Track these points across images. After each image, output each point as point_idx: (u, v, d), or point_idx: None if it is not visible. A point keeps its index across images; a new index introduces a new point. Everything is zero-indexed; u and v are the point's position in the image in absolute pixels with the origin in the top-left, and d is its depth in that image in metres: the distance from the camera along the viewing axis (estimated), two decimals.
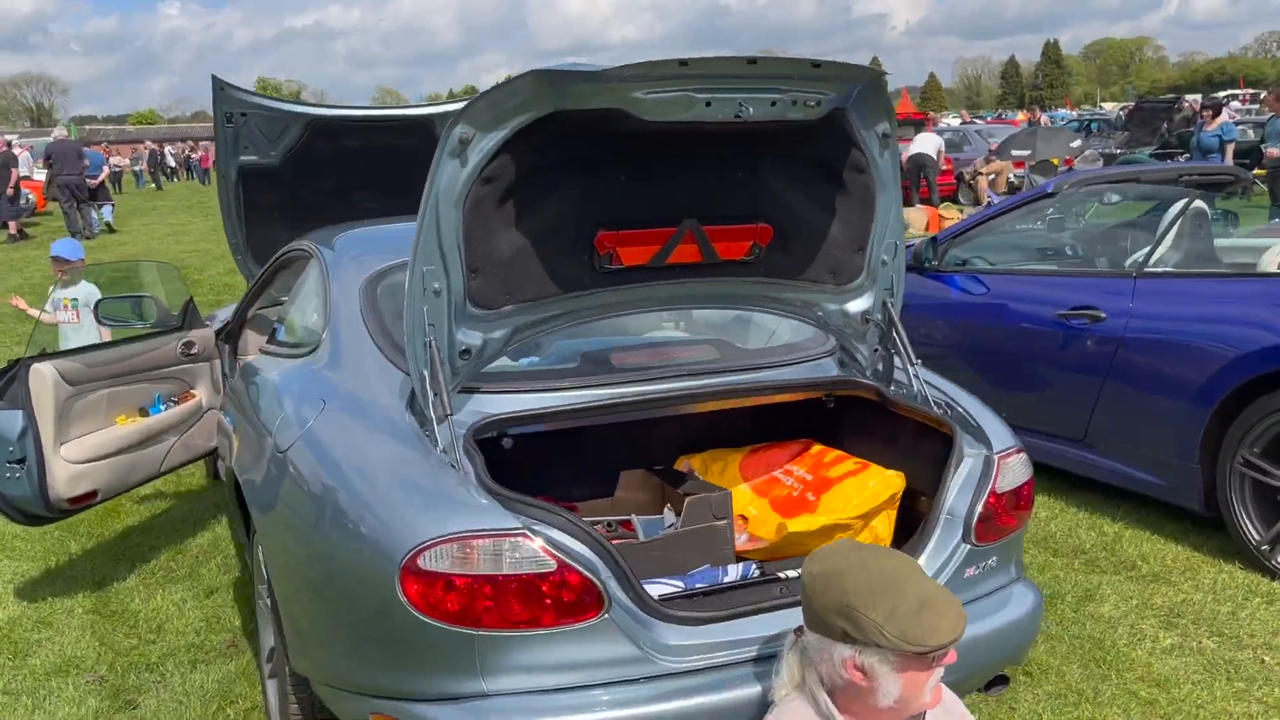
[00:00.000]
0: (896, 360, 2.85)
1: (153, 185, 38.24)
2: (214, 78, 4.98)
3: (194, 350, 4.25)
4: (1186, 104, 21.97)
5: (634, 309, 2.66)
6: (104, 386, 3.79)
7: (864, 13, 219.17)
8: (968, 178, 17.11)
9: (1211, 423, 3.89)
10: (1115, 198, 5.60)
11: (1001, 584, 2.55)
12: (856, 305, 2.82)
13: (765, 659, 2.18)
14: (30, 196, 22.16)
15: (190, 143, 43.82)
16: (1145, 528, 4.25)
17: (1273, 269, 4.48)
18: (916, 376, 2.78)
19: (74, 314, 6.11)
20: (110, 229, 20.10)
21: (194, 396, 4.27)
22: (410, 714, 2.16)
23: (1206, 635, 3.37)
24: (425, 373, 2.39)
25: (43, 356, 3.57)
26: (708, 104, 2.22)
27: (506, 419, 2.49)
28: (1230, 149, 12.25)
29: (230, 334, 4.51)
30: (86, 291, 6.14)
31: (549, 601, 2.06)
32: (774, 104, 2.27)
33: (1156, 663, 3.21)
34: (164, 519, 4.75)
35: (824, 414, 3.09)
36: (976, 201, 16.86)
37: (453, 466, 2.26)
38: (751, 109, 2.24)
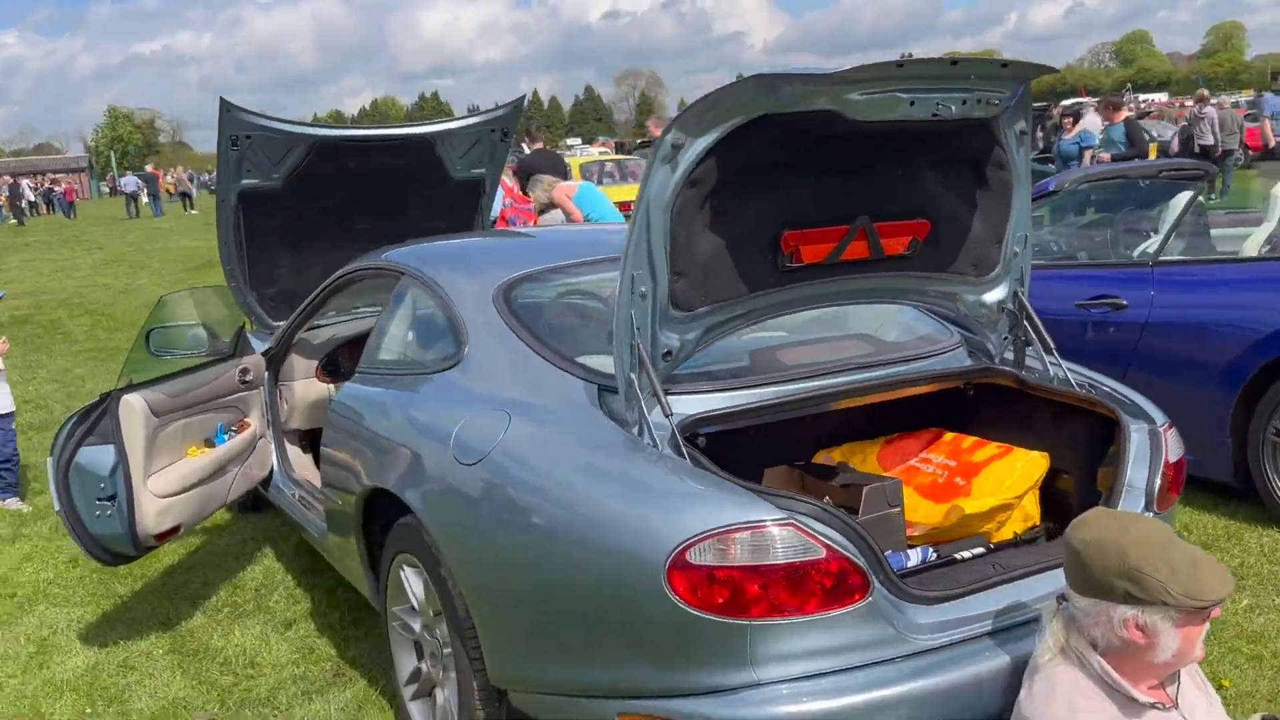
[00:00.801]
0: (1029, 347, 3.01)
1: (13, 221, 36.27)
2: (221, 99, 4.86)
3: (249, 377, 4.13)
4: (1054, 112, 23.26)
5: (807, 306, 2.74)
6: (181, 417, 3.66)
7: (723, 31, 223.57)
8: None
9: (1240, 399, 4.19)
10: (1093, 195, 5.95)
11: None
12: (993, 295, 2.97)
13: (1003, 630, 2.28)
14: None
15: (50, 176, 41.71)
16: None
17: (1253, 253, 4.86)
18: (1056, 363, 2.94)
19: None
20: None
21: (250, 425, 4.14)
22: (673, 710, 2.18)
23: (1276, 594, 3.64)
24: (633, 375, 2.43)
25: (130, 388, 3.42)
26: (911, 103, 2.33)
27: (703, 418, 2.54)
28: (1089, 155, 12.92)
29: (274, 359, 4.39)
30: None
31: (818, 588, 2.12)
32: (964, 102, 2.41)
33: (1244, 621, 3.45)
34: (203, 554, 4.57)
35: (946, 403, 3.22)
36: None
37: (691, 464, 2.30)
38: (953, 108, 2.37)
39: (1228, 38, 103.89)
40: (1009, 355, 3.08)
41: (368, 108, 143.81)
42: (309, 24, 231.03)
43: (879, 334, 3.33)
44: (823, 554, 2.12)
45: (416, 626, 3.00)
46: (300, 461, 4.50)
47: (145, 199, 37.04)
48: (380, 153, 5.36)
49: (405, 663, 3.10)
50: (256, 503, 4.80)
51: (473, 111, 6.21)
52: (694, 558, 2.10)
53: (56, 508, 3.35)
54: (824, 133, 2.38)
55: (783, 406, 2.67)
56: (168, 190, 40.88)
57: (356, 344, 4.59)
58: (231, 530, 4.83)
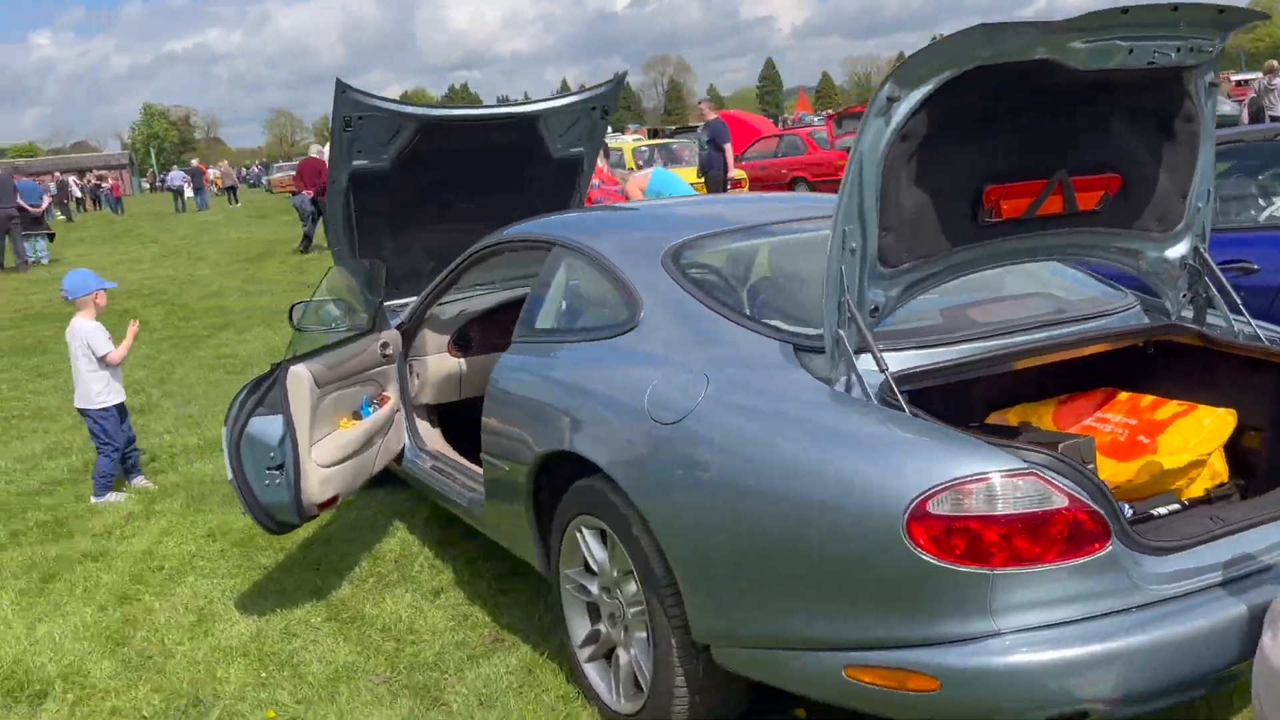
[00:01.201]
0: (1211, 303, 2.99)
1: (60, 217, 36.78)
2: (338, 80, 4.89)
3: (389, 351, 4.18)
4: None
5: (999, 263, 2.74)
6: (335, 389, 3.71)
7: (750, 16, 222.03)
8: None
9: None
10: None
11: None
12: (1175, 251, 2.95)
13: (1233, 581, 2.27)
14: None
15: (96, 172, 42.33)
16: None
17: None
18: (1245, 320, 2.91)
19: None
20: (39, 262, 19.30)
21: (389, 398, 4.19)
22: (907, 661, 2.19)
23: None
24: (842, 332, 2.43)
25: (296, 359, 3.48)
26: (1130, 51, 2.32)
27: (910, 374, 2.53)
28: None
29: (405, 334, 4.43)
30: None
31: (1059, 537, 2.11)
32: (1178, 50, 2.39)
33: None
34: (336, 528, 4.63)
35: (1114, 364, 3.20)
36: None
37: (913, 418, 2.30)
38: (1171, 55, 2.35)
39: (1267, 10, 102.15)
40: (1186, 313, 3.05)
41: (397, 99, 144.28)
42: (337, 18, 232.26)
43: (1053, 292, 3.30)
44: (1064, 503, 2.12)
45: (593, 588, 3.03)
46: (430, 435, 4.54)
47: (190, 193, 37.47)
48: (485, 132, 5.39)
49: (579, 625, 3.13)
50: (380, 477, 4.86)
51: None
52: (934, 508, 2.11)
53: (229, 477, 3.41)
54: (1037, 83, 2.37)
55: (979, 364, 2.66)
56: (215, 184, 41.39)
57: (486, 318, 4.64)
58: (359, 505, 4.88)
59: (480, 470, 4.02)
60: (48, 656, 3.55)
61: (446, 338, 4.51)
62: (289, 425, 3.38)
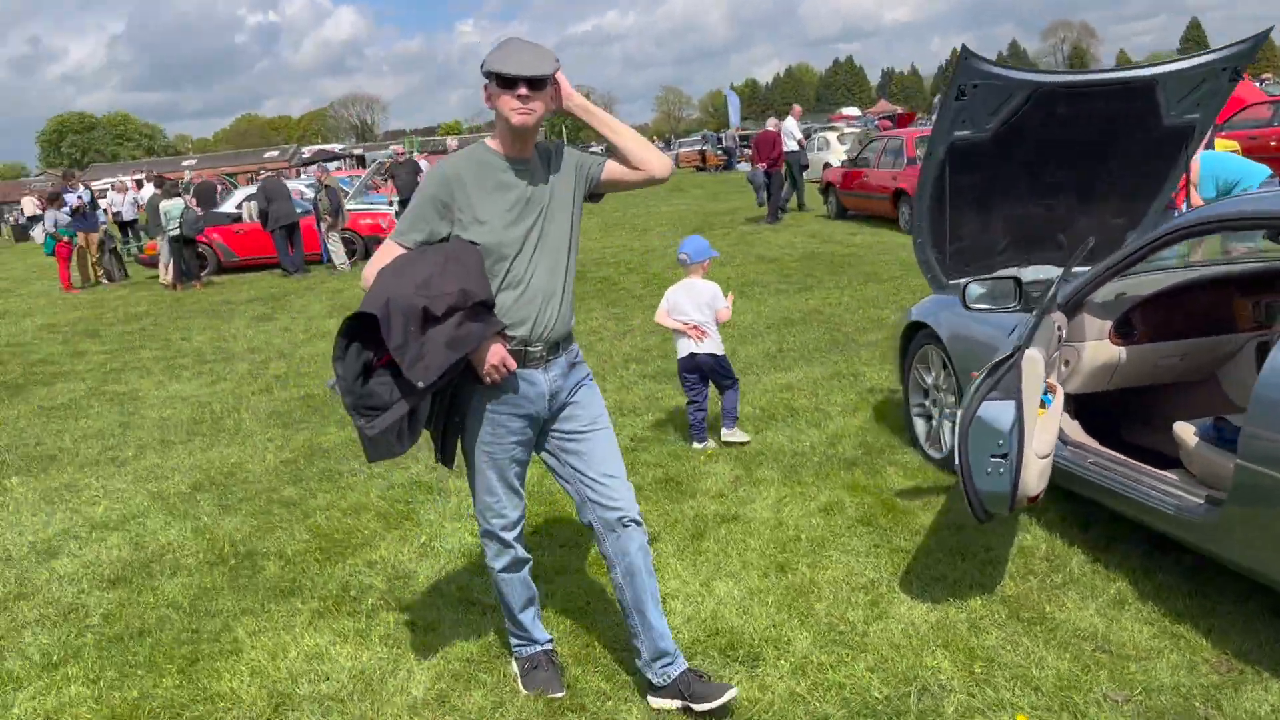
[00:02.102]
0: None
1: None
2: (963, 47, 4.66)
3: (1061, 334, 3.88)
4: None
5: None
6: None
7: None
8: None
9: None
10: None
11: None
12: None
13: None
14: None
15: None
16: None
17: None
18: None
19: None
20: None
21: (1055, 386, 3.89)
22: None
23: None
24: None
25: (1028, 341, 3.27)
26: None
27: None
28: None
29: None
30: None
31: None
32: None
33: None
34: (955, 513, 4.42)
35: None
36: None
37: None
38: None
39: None
40: None
41: (781, 75, 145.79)
42: None
43: None
44: None
45: None
46: (1070, 426, 4.21)
47: None
48: (1096, 98, 4.94)
49: None
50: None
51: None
52: None
53: (956, 461, 3.27)
54: None
55: None
56: None
57: (1151, 304, 4.22)
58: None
59: (1165, 472, 3.64)
60: (739, 619, 3.63)
61: (1108, 324, 4.13)
62: (1019, 412, 3.17)
